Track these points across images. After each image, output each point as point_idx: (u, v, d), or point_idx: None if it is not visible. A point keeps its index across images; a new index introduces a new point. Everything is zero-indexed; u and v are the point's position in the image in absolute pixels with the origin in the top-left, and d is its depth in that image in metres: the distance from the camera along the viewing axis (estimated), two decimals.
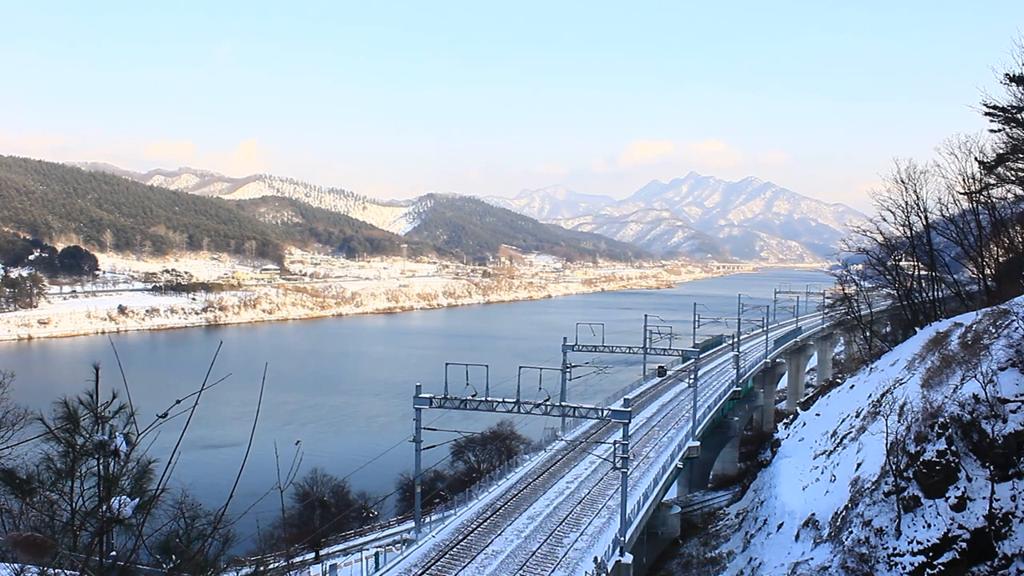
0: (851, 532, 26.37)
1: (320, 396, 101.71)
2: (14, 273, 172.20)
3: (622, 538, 29.42)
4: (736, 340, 64.45)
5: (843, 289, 66.79)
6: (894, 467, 25.38)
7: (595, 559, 27.55)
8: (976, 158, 45.25)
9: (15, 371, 26.71)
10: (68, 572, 4.52)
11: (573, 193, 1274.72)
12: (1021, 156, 42.80)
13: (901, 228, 51.87)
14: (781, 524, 33.56)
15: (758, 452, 54.32)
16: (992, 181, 45.71)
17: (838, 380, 67.12)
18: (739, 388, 61.44)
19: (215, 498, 5.69)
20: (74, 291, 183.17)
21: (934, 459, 24.15)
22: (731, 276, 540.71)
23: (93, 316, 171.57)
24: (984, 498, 22.85)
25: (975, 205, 47.41)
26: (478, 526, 31.47)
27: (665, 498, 40.89)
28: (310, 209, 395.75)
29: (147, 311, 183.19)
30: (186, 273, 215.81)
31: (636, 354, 57.49)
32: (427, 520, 33.62)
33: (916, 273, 55.28)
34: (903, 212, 50.62)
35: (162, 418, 4.80)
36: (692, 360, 48.97)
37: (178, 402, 4.88)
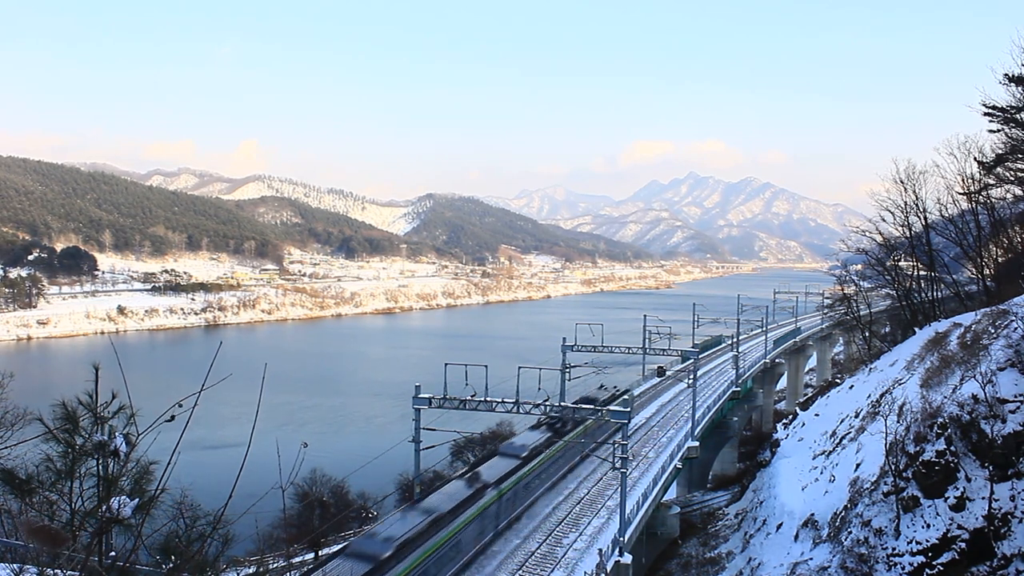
0: (850, 532, 26.38)
1: (319, 396, 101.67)
2: (13, 273, 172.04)
3: (621, 538, 29.42)
4: (735, 340, 64.44)
5: (842, 289, 66.80)
6: (893, 467, 25.39)
7: (599, 551, 27.53)
8: (975, 158, 45.34)
9: (14, 372, 26.76)
10: (68, 572, 4.52)
11: (572, 193, 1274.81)
12: (1020, 156, 42.85)
13: (900, 228, 51.95)
14: (780, 524, 33.57)
15: (757, 452, 54.31)
16: (991, 181, 45.78)
17: (837, 380, 67.14)
18: (738, 388, 61.43)
19: (215, 499, 5.69)
20: (73, 291, 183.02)
21: (933, 459, 24.16)
22: (730, 276, 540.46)
23: (92, 316, 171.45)
24: (983, 498, 22.86)
25: (974, 205, 47.47)
26: None
27: (664, 498, 40.86)
28: (309, 209, 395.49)
29: (146, 311, 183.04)
30: (185, 273, 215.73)
31: (635, 354, 57.39)
32: None
33: (915, 273, 55.28)
34: (902, 212, 50.70)
35: (168, 420, 4.80)
36: (691, 360, 48.96)
37: (179, 404, 4.88)
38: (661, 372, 64.86)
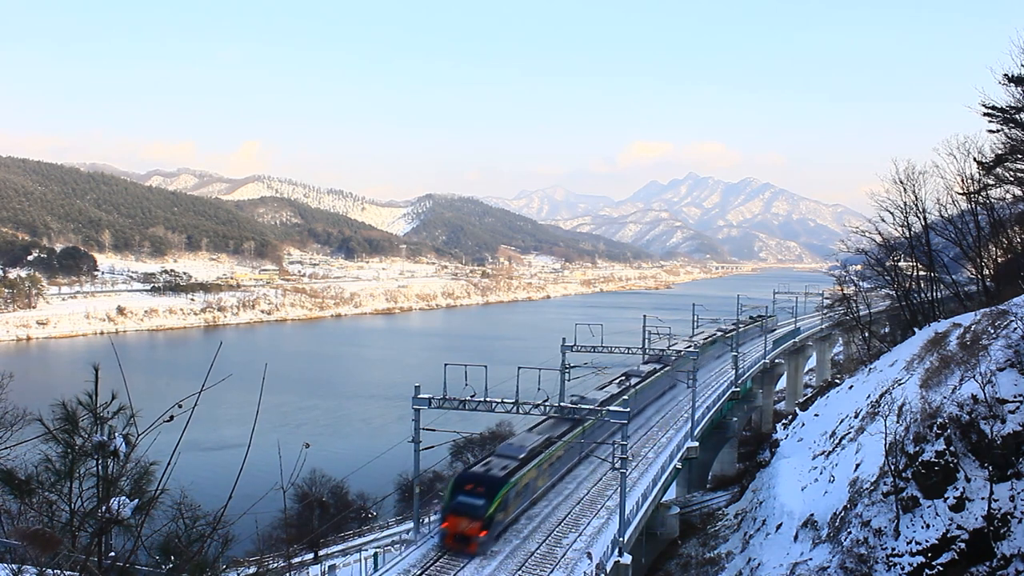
0: (850, 532, 26.38)
1: (318, 397, 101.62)
2: (13, 274, 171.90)
3: (621, 538, 29.41)
4: (735, 341, 64.42)
5: (842, 290, 66.74)
6: (893, 468, 25.39)
7: (592, 554, 27.53)
8: (975, 159, 45.31)
9: (14, 372, 26.75)
10: (67, 572, 4.52)
11: (572, 194, 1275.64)
12: (1019, 157, 42.86)
13: (900, 229, 51.89)
14: (780, 524, 33.56)
15: (757, 452, 54.27)
16: (990, 182, 45.77)
17: (837, 381, 67.07)
18: (738, 388, 61.42)
19: (215, 499, 5.69)
20: (73, 292, 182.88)
21: (933, 460, 24.16)
22: (730, 277, 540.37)
23: (92, 317, 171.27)
24: (983, 499, 22.87)
25: (974, 206, 47.45)
26: None
27: (664, 499, 40.87)
28: (309, 210, 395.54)
29: (146, 312, 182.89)
30: (185, 274, 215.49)
31: (635, 355, 57.39)
32: (426, 521, 33.60)
33: (915, 274, 55.27)
34: (902, 213, 50.65)
35: (167, 420, 4.80)
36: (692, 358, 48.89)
37: (179, 404, 4.88)
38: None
